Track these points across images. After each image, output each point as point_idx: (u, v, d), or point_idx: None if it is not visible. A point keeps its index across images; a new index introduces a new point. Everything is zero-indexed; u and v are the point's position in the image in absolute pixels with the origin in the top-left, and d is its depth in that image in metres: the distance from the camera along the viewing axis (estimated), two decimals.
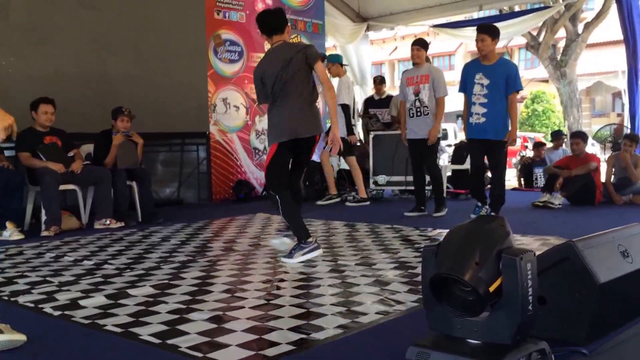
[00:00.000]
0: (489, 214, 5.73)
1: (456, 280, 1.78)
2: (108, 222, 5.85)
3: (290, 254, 3.96)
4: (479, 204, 6.05)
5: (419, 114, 6.35)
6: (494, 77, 5.64)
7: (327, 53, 8.73)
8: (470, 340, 1.86)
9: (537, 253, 1.96)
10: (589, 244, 2.27)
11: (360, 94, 11.77)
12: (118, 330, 2.52)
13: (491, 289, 1.75)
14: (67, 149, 6.01)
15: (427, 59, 6.79)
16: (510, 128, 5.71)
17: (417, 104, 6.35)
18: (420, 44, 6.44)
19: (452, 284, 1.82)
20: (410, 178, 7.92)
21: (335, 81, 7.35)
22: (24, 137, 5.77)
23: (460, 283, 1.78)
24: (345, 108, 7.31)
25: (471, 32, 10.95)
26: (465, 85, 5.86)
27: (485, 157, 5.99)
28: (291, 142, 4.05)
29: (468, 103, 5.84)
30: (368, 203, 7.47)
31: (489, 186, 6.42)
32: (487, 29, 5.78)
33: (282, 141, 4.03)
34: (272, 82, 4.04)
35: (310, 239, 4.00)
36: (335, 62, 7.74)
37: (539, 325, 1.94)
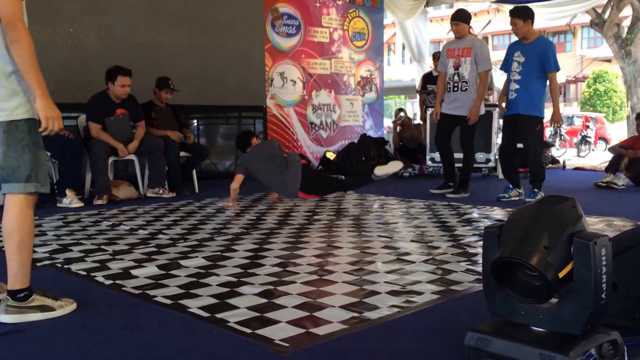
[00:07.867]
0: (522, 198, 5.62)
1: (521, 264, 1.65)
2: (160, 191, 5.90)
3: None
4: (510, 185, 5.78)
5: (456, 89, 6.03)
6: (530, 54, 5.48)
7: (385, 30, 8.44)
8: (534, 328, 1.73)
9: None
10: None
11: (418, 71, 11.57)
12: (167, 302, 2.49)
13: (560, 274, 1.61)
14: (135, 119, 5.97)
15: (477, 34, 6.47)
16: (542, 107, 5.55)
17: (456, 78, 6.02)
18: (457, 19, 6.01)
19: (516, 268, 1.69)
20: None
21: None
22: (97, 105, 5.75)
23: (525, 267, 1.65)
24: None
25: (535, 8, 10.51)
26: (507, 64, 5.68)
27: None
28: None
29: (508, 81, 5.69)
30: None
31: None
32: (516, 12, 5.55)
33: None
34: None
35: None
36: None
37: (608, 311, 1.80)
